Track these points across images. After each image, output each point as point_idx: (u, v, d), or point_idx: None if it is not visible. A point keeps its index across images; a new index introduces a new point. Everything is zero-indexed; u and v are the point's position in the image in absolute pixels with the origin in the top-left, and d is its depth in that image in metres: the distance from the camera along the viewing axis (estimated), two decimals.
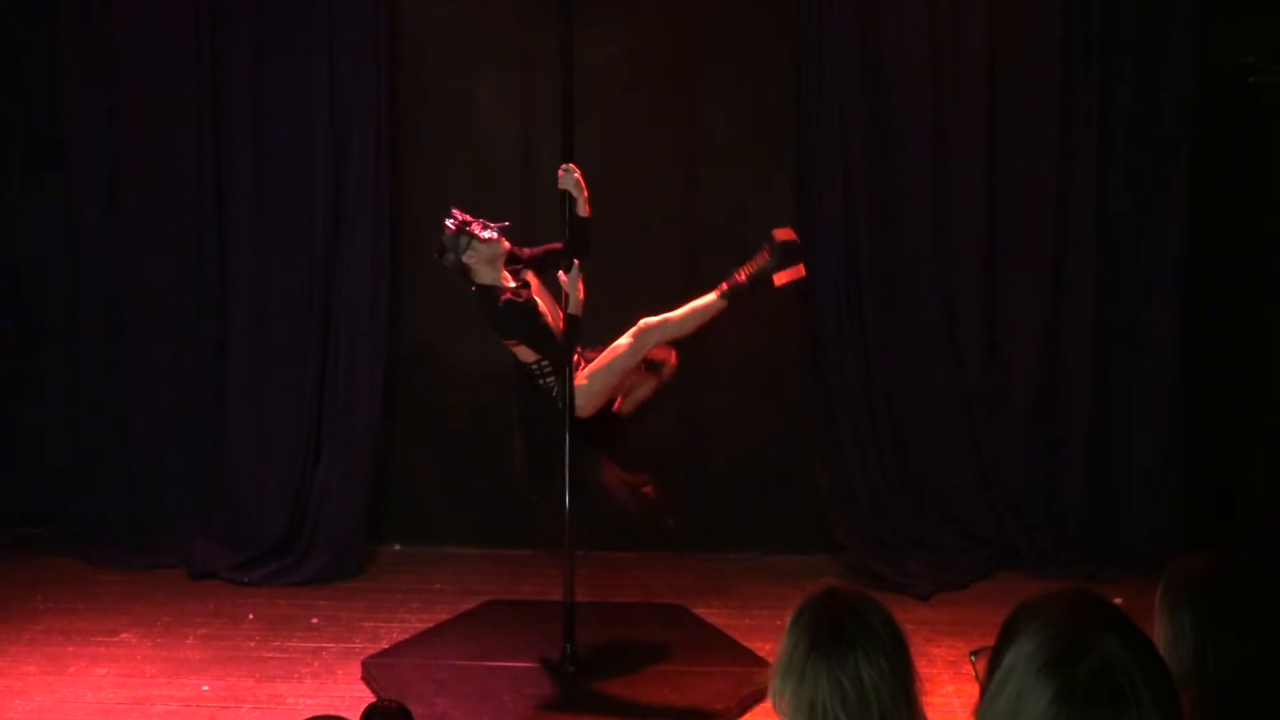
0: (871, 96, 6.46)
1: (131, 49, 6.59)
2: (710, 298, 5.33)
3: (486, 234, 5.20)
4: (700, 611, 5.96)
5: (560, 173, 5.15)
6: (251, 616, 5.98)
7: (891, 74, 6.49)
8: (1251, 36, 6.21)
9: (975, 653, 1.84)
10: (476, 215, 6.93)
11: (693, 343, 5.54)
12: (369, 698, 5.13)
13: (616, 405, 5.40)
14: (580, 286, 5.11)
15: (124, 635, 5.73)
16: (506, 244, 5.26)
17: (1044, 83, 6.46)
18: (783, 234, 5.43)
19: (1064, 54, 6.42)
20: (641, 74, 6.71)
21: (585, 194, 5.14)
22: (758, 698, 4.88)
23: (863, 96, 6.43)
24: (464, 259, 5.21)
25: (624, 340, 5.22)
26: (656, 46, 6.73)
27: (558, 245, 5.22)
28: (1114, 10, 6.40)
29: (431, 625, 5.83)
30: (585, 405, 5.16)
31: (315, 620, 5.94)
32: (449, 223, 5.23)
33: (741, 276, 5.34)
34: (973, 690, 1.76)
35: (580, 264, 5.12)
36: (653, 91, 6.75)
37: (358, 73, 6.48)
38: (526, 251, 5.33)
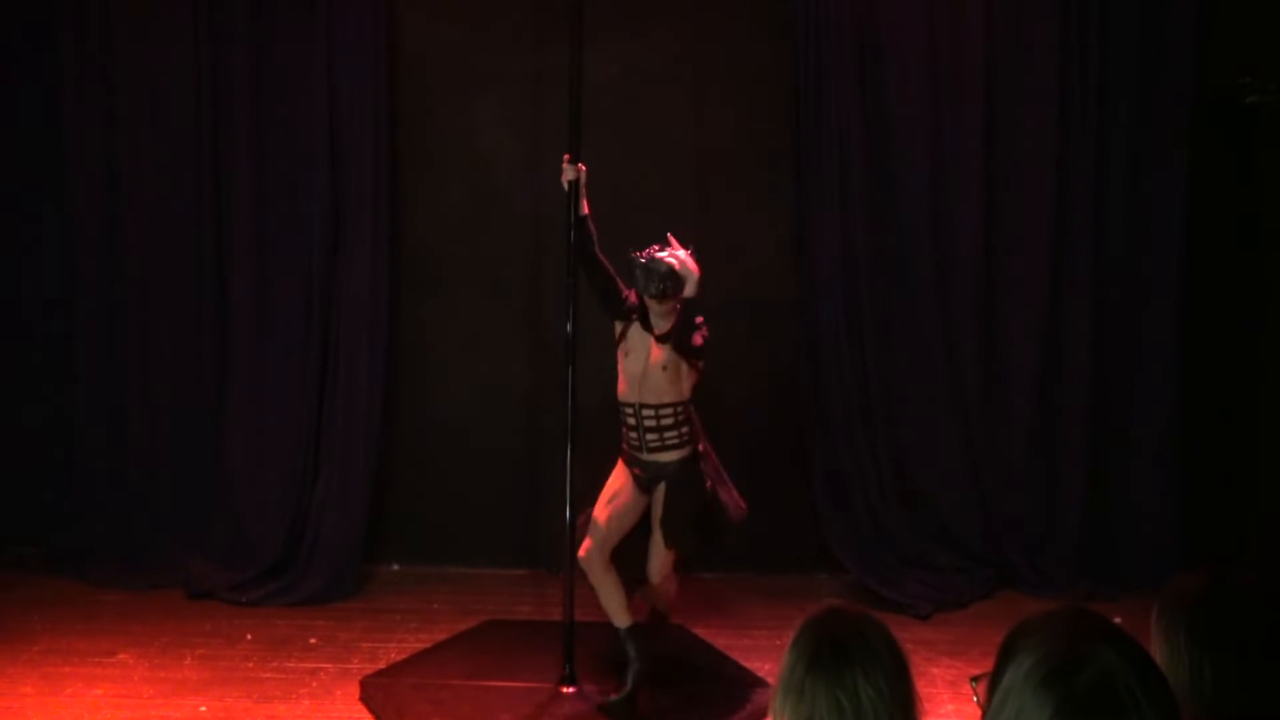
0: (870, 111, 6.49)
1: (131, 67, 6.61)
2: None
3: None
4: (700, 631, 5.95)
5: (564, 164, 5.13)
6: (249, 637, 5.97)
7: (890, 90, 6.52)
8: (1248, 57, 6.23)
9: (975, 678, 1.84)
10: (478, 228, 6.94)
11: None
12: (367, 718, 5.12)
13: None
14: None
15: (121, 656, 5.72)
16: None
17: (1041, 104, 6.48)
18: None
19: (1062, 75, 6.45)
20: (642, 92, 6.74)
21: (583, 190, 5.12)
22: (757, 717, 4.87)
23: (860, 109, 6.46)
24: (686, 291, 4.96)
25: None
26: (657, 65, 6.75)
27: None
28: (1111, 32, 6.43)
29: (430, 645, 5.82)
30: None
31: (313, 640, 5.93)
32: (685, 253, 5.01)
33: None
34: (972, 710, 1.76)
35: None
36: (653, 109, 6.77)
37: (357, 89, 6.51)
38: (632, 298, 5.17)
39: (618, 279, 5.12)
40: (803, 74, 6.48)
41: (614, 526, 5.08)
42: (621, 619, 5.10)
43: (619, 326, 5.14)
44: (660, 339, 4.99)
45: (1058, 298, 6.57)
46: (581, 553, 5.11)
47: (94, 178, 6.71)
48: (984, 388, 6.64)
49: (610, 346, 5.22)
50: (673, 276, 4.90)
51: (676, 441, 5.05)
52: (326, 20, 6.50)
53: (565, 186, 5.15)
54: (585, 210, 5.14)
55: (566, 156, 5.16)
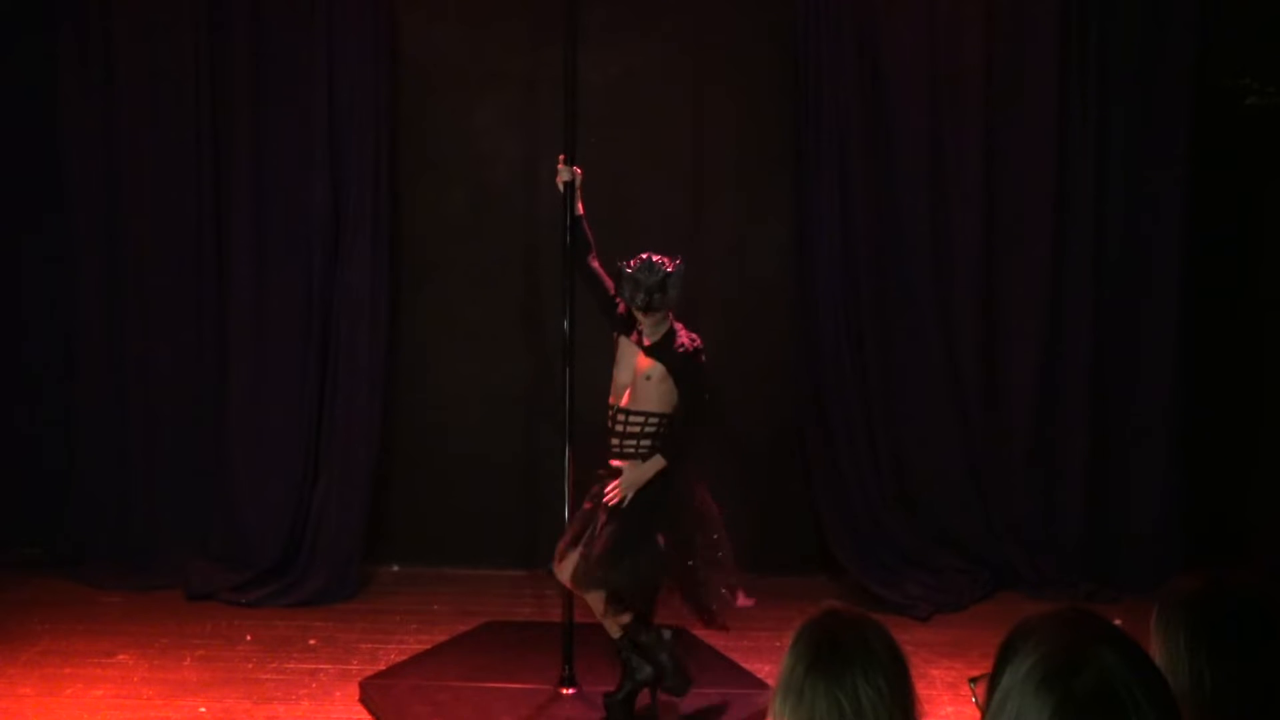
0: (870, 111, 6.50)
1: (131, 68, 6.61)
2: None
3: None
4: (699, 633, 5.93)
5: (559, 165, 5.11)
6: (249, 638, 5.97)
7: (890, 90, 6.53)
8: (1248, 59, 6.23)
9: (974, 679, 1.84)
10: (477, 228, 6.88)
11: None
12: None
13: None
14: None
15: (121, 657, 5.71)
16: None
17: (1041, 104, 6.49)
18: None
19: (1061, 77, 6.46)
20: (642, 92, 6.74)
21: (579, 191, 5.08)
22: (757, 719, 4.86)
23: (860, 109, 6.47)
24: (671, 298, 4.82)
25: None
26: (657, 65, 6.75)
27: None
28: (1111, 32, 6.44)
29: (430, 646, 5.82)
30: None
31: (313, 642, 5.93)
32: (673, 261, 4.85)
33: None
34: (972, 711, 1.75)
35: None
36: (653, 109, 6.77)
37: (357, 89, 6.51)
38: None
39: (611, 288, 4.99)
40: (803, 74, 6.48)
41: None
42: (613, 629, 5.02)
43: (617, 334, 5.06)
44: (646, 351, 4.87)
45: (1058, 298, 6.57)
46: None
47: (94, 178, 6.70)
48: (984, 388, 6.64)
49: (609, 348, 5.20)
50: (660, 288, 4.78)
51: (633, 451, 4.85)
52: (326, 21, 6.50)
53: (560, 188, 5.15)
54: (580, 211, 5.13)
55: (562, 157, 5.16)
